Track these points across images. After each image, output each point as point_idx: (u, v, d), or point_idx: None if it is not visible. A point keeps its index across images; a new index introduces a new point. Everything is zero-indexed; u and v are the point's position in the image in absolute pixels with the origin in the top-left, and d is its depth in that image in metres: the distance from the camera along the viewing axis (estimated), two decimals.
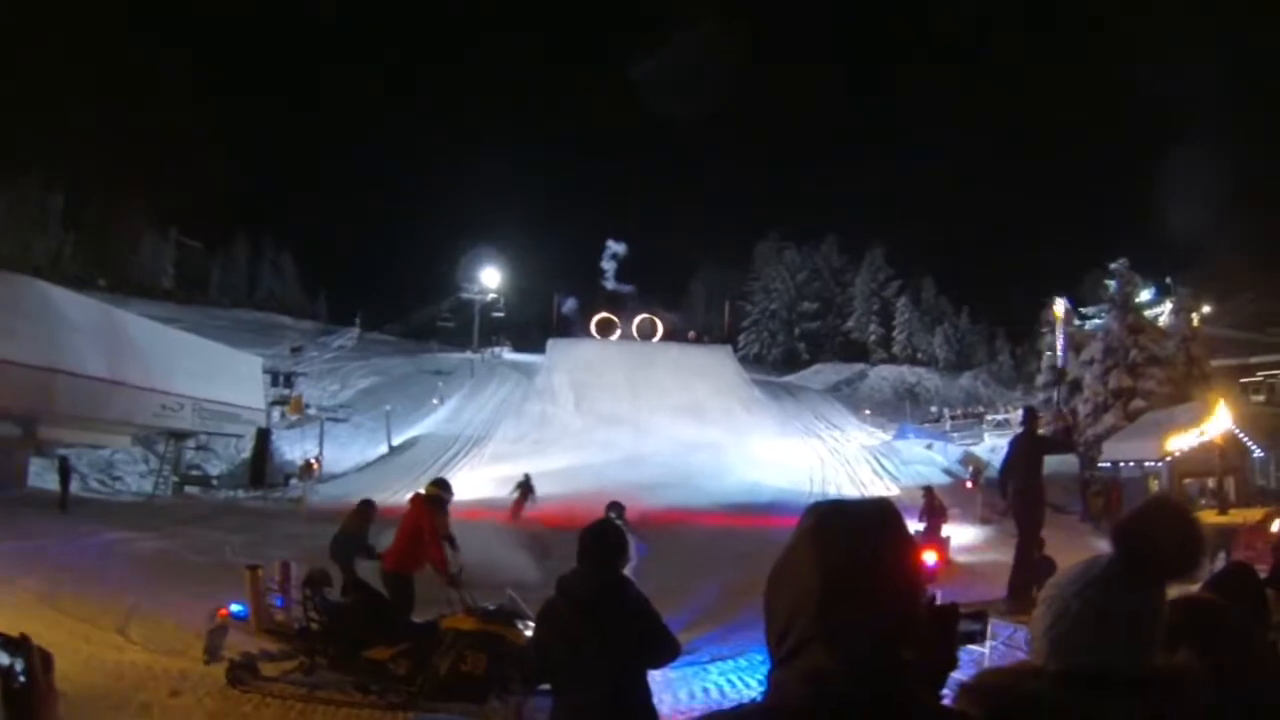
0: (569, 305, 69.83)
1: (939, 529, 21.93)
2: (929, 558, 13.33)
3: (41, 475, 31.17)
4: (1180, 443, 29.91)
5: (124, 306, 43.08)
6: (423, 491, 11.51)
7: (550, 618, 4.68)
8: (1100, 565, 1.95)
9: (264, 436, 42.79)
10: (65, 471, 28.02)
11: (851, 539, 1.59)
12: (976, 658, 9.53)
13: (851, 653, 1.50)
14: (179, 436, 38.54)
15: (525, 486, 33.22)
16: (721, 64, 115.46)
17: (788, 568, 1.64)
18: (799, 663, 1.53)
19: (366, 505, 14.70)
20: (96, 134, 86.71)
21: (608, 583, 4.67)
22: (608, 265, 76.77)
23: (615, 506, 13.27)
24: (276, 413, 49.01)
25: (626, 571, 10.36)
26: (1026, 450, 13.39)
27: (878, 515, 1.65)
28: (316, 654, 10.07)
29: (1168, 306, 46.26)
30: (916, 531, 21.87)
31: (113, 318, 34.06)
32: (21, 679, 1.67)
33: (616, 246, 77.13)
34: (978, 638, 1.97)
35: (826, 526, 1.63)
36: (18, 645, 1.70)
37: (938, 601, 1.88)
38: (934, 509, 22.12)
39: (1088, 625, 1.87)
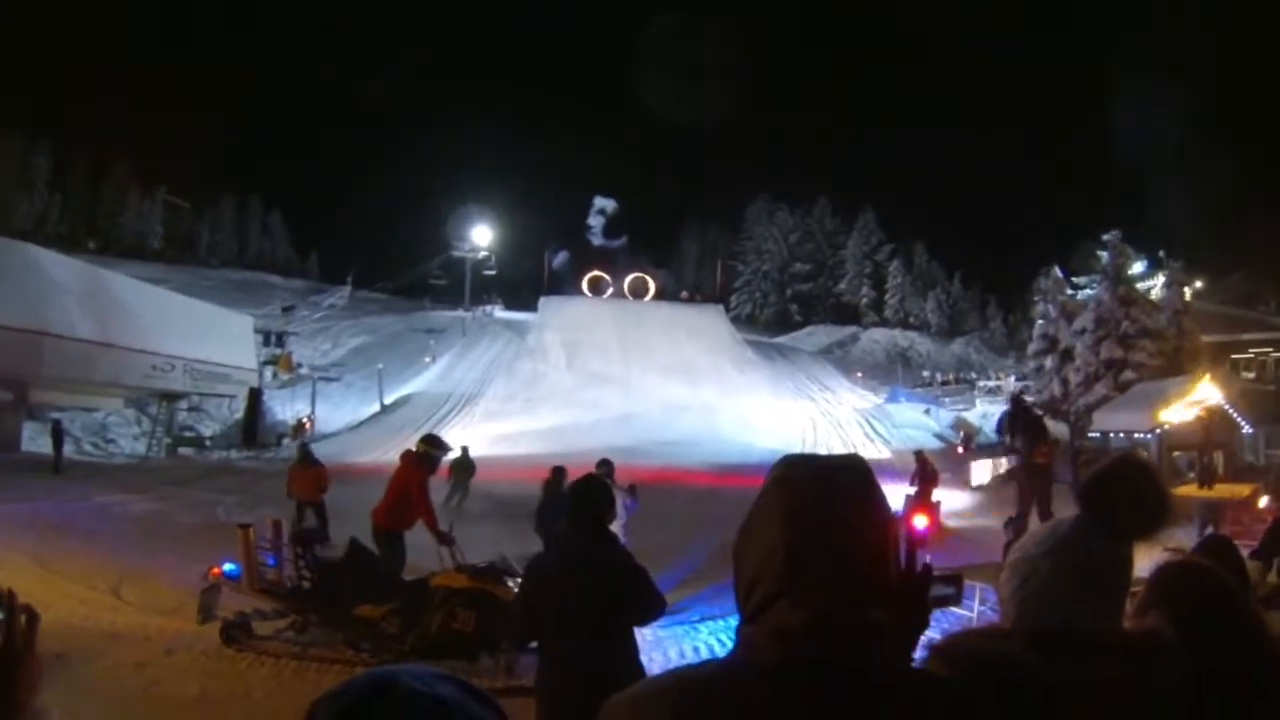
0: (560, 259, 69.61)
1: (930, 494, 21.90)
2: (920, 522, 13.33)
3: (35, 439, 31.14)
4: (1170, 415, 29.97)
5: (112, 268, 42.86)
6: (414, 449, 11.51)
7: (538, 574, 4.71)
8: (1066, 524, 1.94)
9: (256, 396, 42.71)
10: (58, 435, 28.02)
11: (818, 491, 1.58)
12: (964, 620, 9.63)
13: (818, 609, 1.47)
14: (171, 398, 38.50)
15: (463, 468, 23.20)
16: (717, 26, 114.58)
17: (755, 520, 1.63)
18: (766, 619, 1.52)
19: (559, 472, 15.26)
20: (82, 95, 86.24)
21: (595, 539, 4.70)
22: (594, 221, 76.55)
23: (604, 464, 13.25)
24: (268, 372, 48.95)
25: (616, 528, 10.41)
26: (1025, 425, 13.62)
27: (846, 468, 1.64)
28: (308, 612, 10.14)
29: (1160, 280, 46.11)
30: (908, 496, 22.24)
31: (101, 279, 33.91)
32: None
33: (604, 203, 76.89)
34: (952, 600, 1.91)
35: (793, 479, 1.62)
36: (1, 601, 1.64)
37: (928, 567, 1.88)
38: (926, 474, 22.10)
39: (1054, 585, 1.86)
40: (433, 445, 11.56)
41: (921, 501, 21.30)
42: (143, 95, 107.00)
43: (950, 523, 21.25)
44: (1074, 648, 1.77)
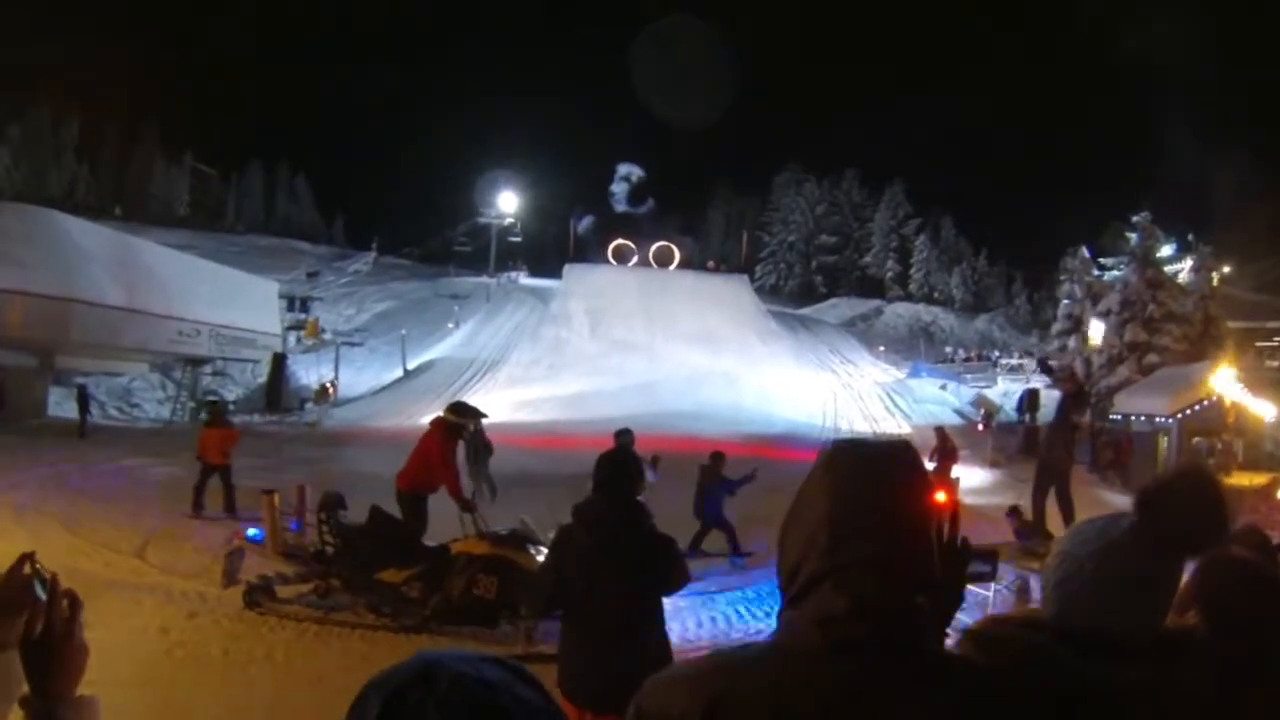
0: (585, 224, 69.49)
1: (949, 470, 21.82)
2: (938, 498, 13.36)
3: (61, 404, 31.40)
4: (1191, 400, 29.76)
5: (140, 235, 42.94)
6: (442, 415, 11.40)
7: (567, 544, 4.70)
8: (1120, 529, 1.87)
9: (280, 361, 42.90)
10: (84, 400, 28.25)
11: (865, 477, 1.58)
12: (980, 599, 9.63)
13: (861, 594, 1.48)
14: (196, 362, 38.73)
15: (476, 449, 18.01)
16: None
17: (801, 504, 1.62)
18: (809, 603, 1.52)
19: (718, 457, 15.52)
20: (109, 64, 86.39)
21: (626, 510, 4.69)
22: (618, 189, 76.31)
23: (624, 433, 13.21)
24: (292, 337, 49.15)
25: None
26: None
27: (894, 455, 1.63)
28: (331, 577, 10.22)
29: (1188, 264, 45.67)
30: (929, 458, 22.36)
31: (128, 246, 34.07)
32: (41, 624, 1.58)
33: (629, 169, 76.56)
34: (987, 577, 1.89)
35: (840, 463, 1.62)
36: (46, 585, 1.62)
37: (966, 544, 1.86)
38: (945, 450, 22.03)
39: (1098, 589, 1.82)
40: (459, 413, 11.41)
41: (940, 478, 20.92)
42: (170, 64, 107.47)
43: (968, 499, 21.15)
44: (1107, 649, 1.74)
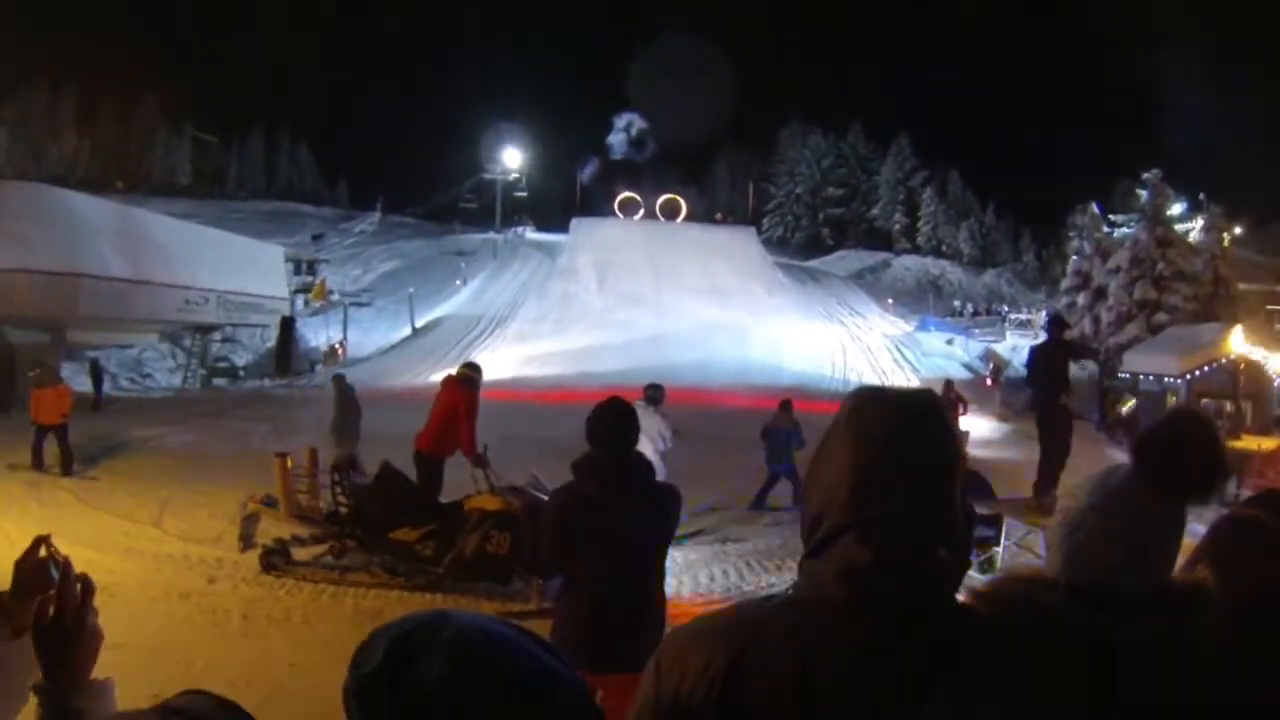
0: (588, 171, 69.31)
1: (956, 421, 22.10)
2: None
3: (73, 378, 31.37)
4: (1201, 361, 29.59)
5: (143, 206, 42.91)
6: (454, 373, 11.55)
7: (579, 503, 4.54)
8: (1118, 477, 1.88)
9: (288, 325, 42.86)
10: (97, 373, 28.37)
11: (889, 427, 1.55)
12: (989, 555, 9.70)
13: (886, 547, 1.46)
14: (205, 330, 38.70)
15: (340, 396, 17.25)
16: None
17: (824, 453, 1.60)
18: (831, 554, 1.50)
19: (787, 405, 15.62)
20: (102, 34, 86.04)
21: (630, 462, 4.60)
22: (616, 139, 76.11)
23: (654, 388, 13.08)
24: (300, 300, 49.13)
25: (657, 452, 10.44)
26: (1051, 356, 13.50)
27: (920, 404, 1.61)
28: (345, 537, 10.31)
29: (1199, 223, 45.17)
30: None
31: (132, 218, 33.96)
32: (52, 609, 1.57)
33: (627, 118, 76.49)
34: (992, 542, 1.85)
35: (863, 412, 1.59)
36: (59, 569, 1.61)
37: (971, 509, 1.85)
38: (952, 401, 22.32)
39: (1101, 541, 1.83)
40: (475, 370, 11.61)
41: None
42: (165, 32, 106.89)
43: (976, 452, 21.18)
44: (1116, 604, 1.70)
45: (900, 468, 1.52)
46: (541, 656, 1.20)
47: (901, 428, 1.56)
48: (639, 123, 77.47)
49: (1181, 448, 1.86)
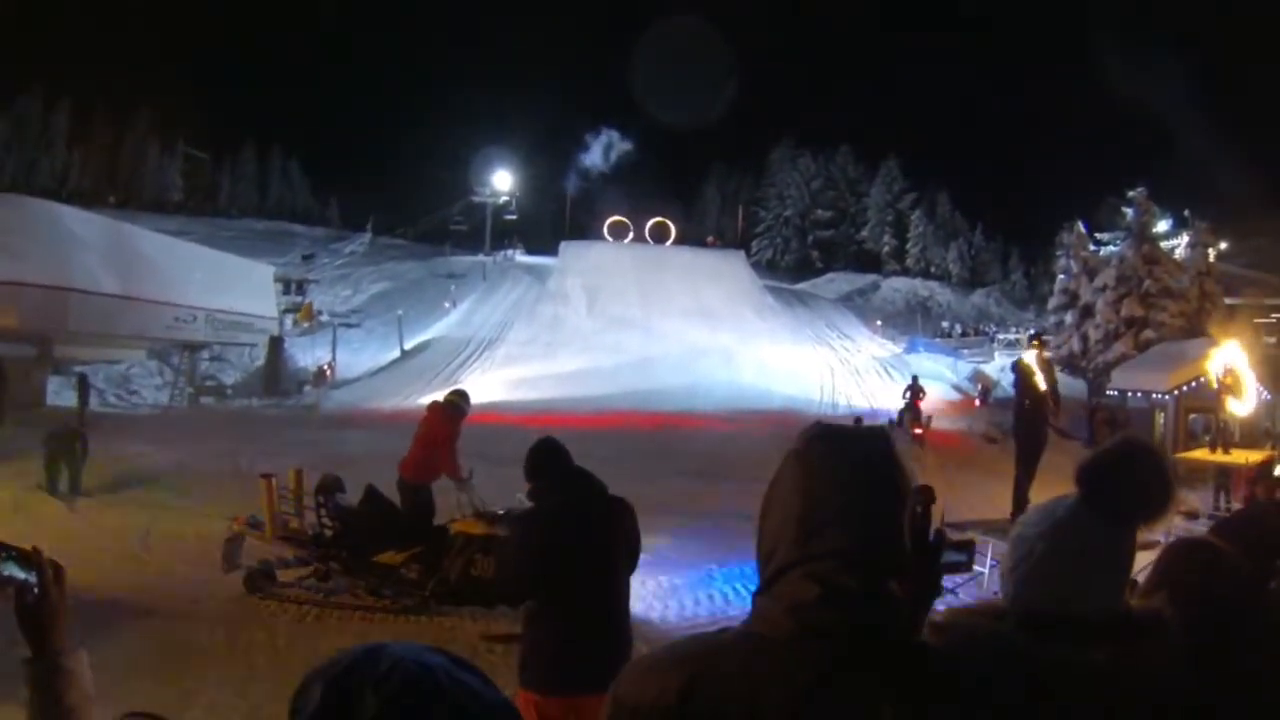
0: (570, 182, 69.67)
1: (919, 406, 26.77)
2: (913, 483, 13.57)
3: (59, 393, 31.33)
4: (1188, 377, 29.68)
5: (134, 222, 42.76)
6: (441, 400, 11.49)
7: (538, 534, 4.68)
8: (1065, 505, 1.88)
9: (277, 344, 42.65)
10: (84, 389, 28.27)
11: (836, 467, 1.58)
12: (977, 578, 9.72)
13: (831, 582, 1.48)
14: (193, 348, 38.61)
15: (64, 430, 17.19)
16: None
17: (775, 491, 1.63)
18: (780, 589, 1.53)
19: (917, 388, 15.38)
20: (97, 49, 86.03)
21: (595, 494, 4.70)
22: (592, 158, 76.90)
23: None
24: (289, 320, 49.01)
25: None
26: (1032, 373, 13.62)
27: (867, 441, 1.64)
28: (330, 560, 10.30)
29: (1184, 239, 45.40)
30: (900, 409, 27.64)
31: (122, 233, 33.88)
32: (35, 592, 1.74)
33: (606, 136, 77.19)
34: (963, 567, 1.87)
35: (812, 450, 1.62)
36: (30, 558, 1.76)
37: (940, 534, 1.85)
38: (915, 389, 26.61)
39: (1049, 568, 1.83)
40: (463, 399, 11.53)
41: (912, 415, 27.05)
42: (159, 49, 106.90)
43: (959, 475, 21.13)
44: (1066, 632, 1.74)
45: (847, 504, 1.54)
46: (472, 684, 1.21)
47: (849, 465, 1.59)
48: (618, 141, 77.88)
49: (1127, 473, 1.86)
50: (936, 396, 35.06)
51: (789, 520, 1.56)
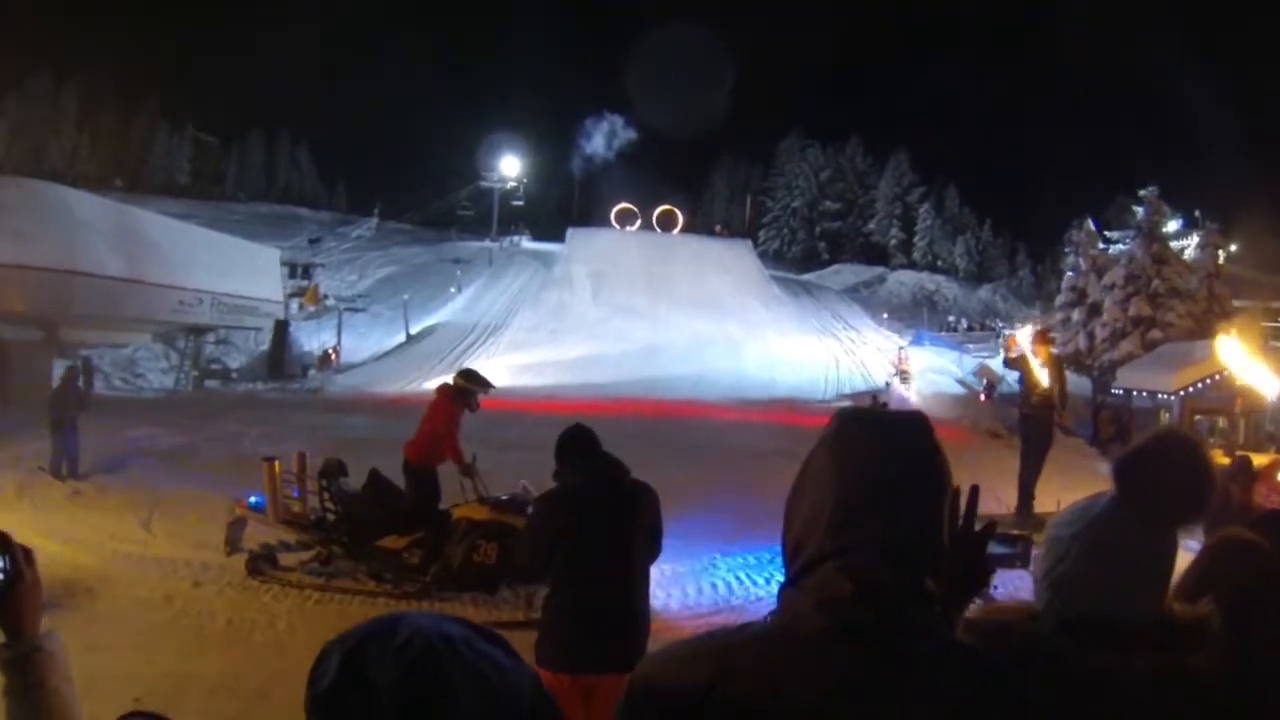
0: (579, 172, 69.59)
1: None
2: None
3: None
4: (1195, 378, 29.59)
5: (141, 205, 42.71)
6: (450, 382, 11.20)
7: (555, 504, 4.76)
8: (1101, 504, 1.80)
9: (282, 328, 42.74)
10: (88, 371, 28.26)
11: (873, 452, 1.50)
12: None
13: (866, 577, 1.41)
14: (198, 331, 38.66)
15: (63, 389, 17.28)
16: None
17: (806, 478, 1.55)
18: (810, 583, 1.45)
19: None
20: (107, 32, 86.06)
21: (618, 477, 4.73)
22: (594, 142, 76.86)
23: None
24: (295, 304, 49.08)
25: None
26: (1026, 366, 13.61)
27: (905, 425, 1.56)
28: (332, 544, 10.29)
29: (1194, 240, 45.25)
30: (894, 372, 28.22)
31: (129, 216, 33.89)
32: (3, 574, 1.73)
33: (609, 121, 77.24)
34: (1015, 562, 1.77)
35: (846, 434, 1.54)
36: (0, 543, 1.75)
37: (991, 524, 1.78)
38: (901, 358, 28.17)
39: (1085, 571, 1.75)
40: (471, 381, 11.06)
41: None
42: (169, 32, 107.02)
43: (967, 473, 21.11)
44: (1106, 637, 1.67)
45: (883, 492, 1.47)
46: (495, 655, 1.19)
47: (886, 450, 1.51)
48: (625, 128, 77.99)
49: (1165, 470, 1.76)
50: (940, 390, 35.16)
51: (820, 509, 1.49)
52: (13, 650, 1.71)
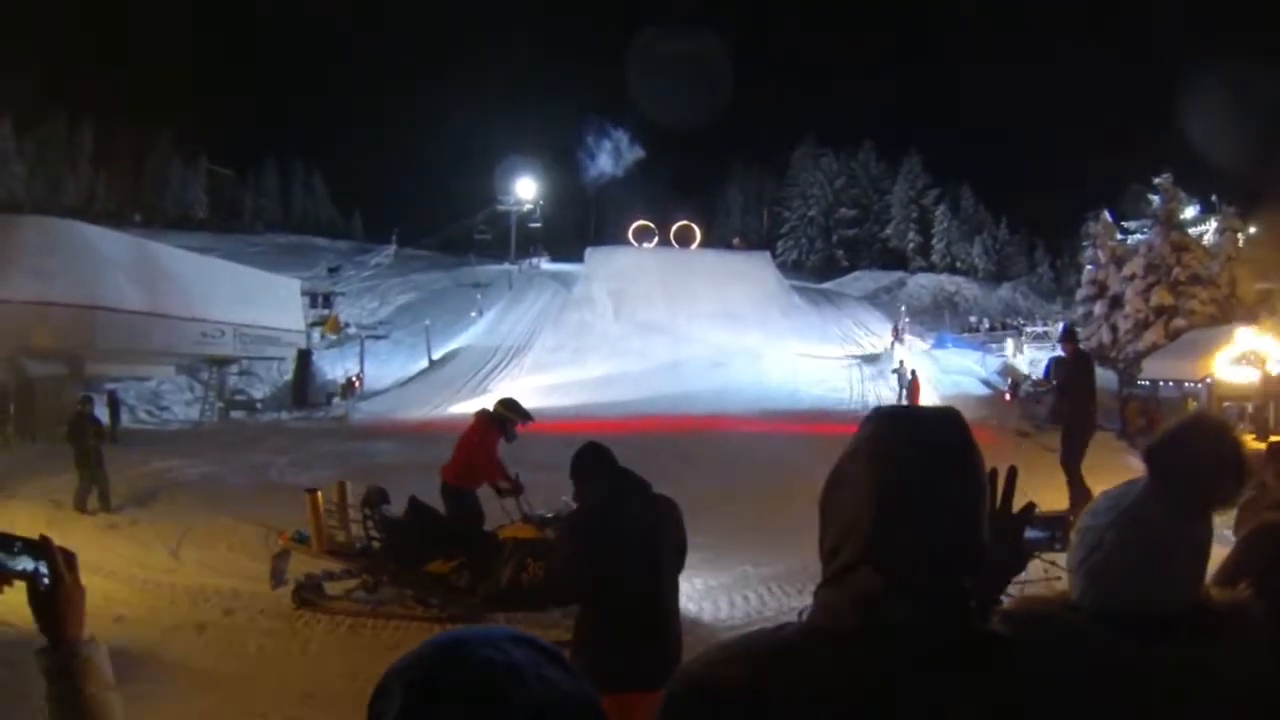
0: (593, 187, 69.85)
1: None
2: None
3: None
4: (1221, 364, 29.43)
5: (160, 239, 43.30)
6: (489, 409, 11.12)
7: (581, 523, 4.75)
8: (1134, 492, 1.75)
9: (305, 357, 42.95)
10: (115, 405, 28.47)
11: (911, 447, 1.47)
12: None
13: (906, 577, 1.40)
14: (222, 362, 38.89)
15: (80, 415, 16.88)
16: None
17: (842, 478, 1.52)
18: (849, 584, 1.43)
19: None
20: (119, 70, 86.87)
21: (640, 493, 4.69)
22: (598, 159, 77.36)
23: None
24: (316, 333, 49.29)
25: None
26: (1076, 368, 13.51)
27: (944, 425, 1.52)
28: (379, 572, 10.28)
29: (1212, 225, 44.97)
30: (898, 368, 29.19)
31: (149, 251, 34.35)
32: (46, 581, 1.73)
33: (615, 135, 77.66)
34: (1056, 544, 1.72)
35: (885, 436, 1.51)
36: (40, 548, 1.76)
37: (1030, 505, 1.73)
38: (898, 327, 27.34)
39: (1119, 560, 1.70)
40: (511, 410, 11.01)
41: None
42: (180, 66, 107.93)
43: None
44: (1144, 627, 1.62)
45: (922, 492, 1.44)
46: (561, 681, 1.14)
47: (924, 449, 1.48)
48: (638, 146, 78.39)
49: (1197, 453, 1.72)
50: (965, 392, 35.01)
51: (857, 510, 1.45)
52: (54, 656, 1.72)
